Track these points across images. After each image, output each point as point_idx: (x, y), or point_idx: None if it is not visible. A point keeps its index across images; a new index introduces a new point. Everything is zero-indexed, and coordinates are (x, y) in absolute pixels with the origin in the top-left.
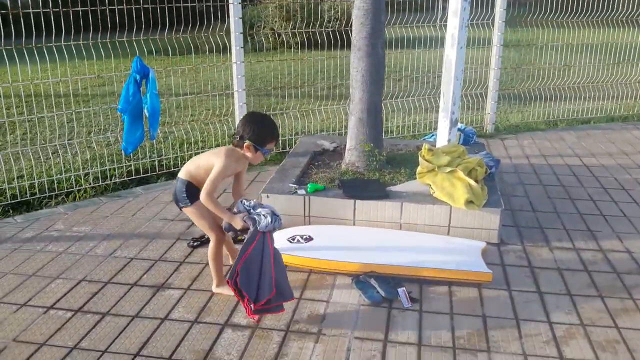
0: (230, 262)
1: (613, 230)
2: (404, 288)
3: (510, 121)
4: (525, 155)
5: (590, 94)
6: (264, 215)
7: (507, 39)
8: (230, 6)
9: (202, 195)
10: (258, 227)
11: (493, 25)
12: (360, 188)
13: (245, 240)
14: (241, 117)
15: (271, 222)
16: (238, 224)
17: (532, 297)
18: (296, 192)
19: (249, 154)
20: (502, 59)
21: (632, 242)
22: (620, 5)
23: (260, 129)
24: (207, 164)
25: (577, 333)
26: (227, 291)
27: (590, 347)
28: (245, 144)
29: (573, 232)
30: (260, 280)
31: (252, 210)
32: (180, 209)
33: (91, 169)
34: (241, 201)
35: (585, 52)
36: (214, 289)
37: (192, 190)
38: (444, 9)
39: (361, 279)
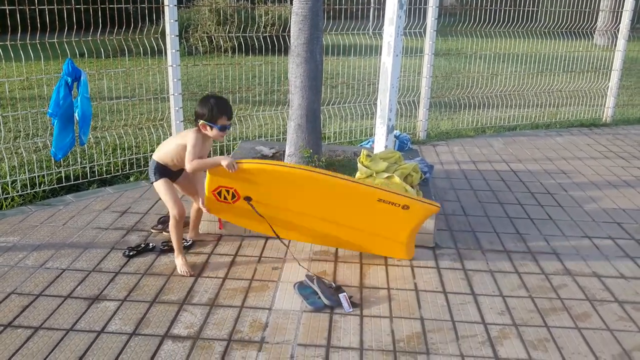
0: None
1: (540, 233)
2: (345, 293)
3: (441, 128)
4: (456, 161)
5: (516, 101)
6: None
7: (438, 48)
8: (166, 8)
9: (187, 167)
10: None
11: (425, 35)
12: None
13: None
14: (177, 121)
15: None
16: (225, 162)
17: (467, 299)
18: None
19: (207, 133)
20: (433, 67)
21: (558, 244)
22: (542, 17)
23: (210, 108)
24: (175, 146)
25: (510, 333)
26: (177, 263)
27: (523, 346)
28: (200, 123)
29: (503, 235)
30: None
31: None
32: (152, 185)
33: (18, 176)
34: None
35: (510, 61)
36: (175, 257)
37: (160, 169)
38: (377, 17)
39: (304, 284)
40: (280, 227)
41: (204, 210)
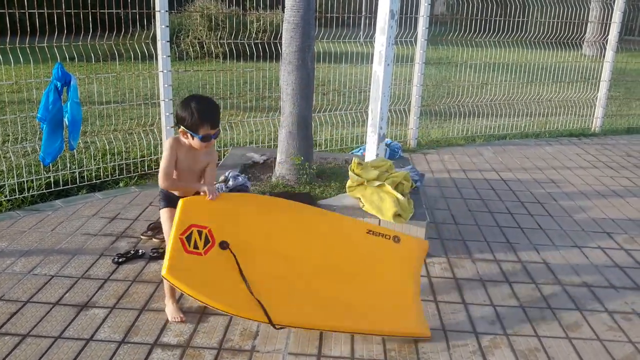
0: None
1: (530, 242)
2: None
3: (431, 136)
4: (447, 169)
5: (506, 111)
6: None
7: (428, 56)
8: (157, 14)
9: (160, 184)
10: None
11: (416, 43)
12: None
13: None
14: (168, 126)
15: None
16: (203, 189)
17: (458, 308)
18: None
19: (187, 141)
20: (424, 76)
21: (548, 254)
22: (532, 27)
23: (191, 113)
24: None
25: (501, 343)
26: (167, 310)
27: (514, 356)
28: (179, 130)
29: (493, 244)
30: None
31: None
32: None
33: (7, 181)
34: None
35: (500, 70)
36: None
37: (165, 196)
38: (368, 25)
39: None
40: (263, 294)
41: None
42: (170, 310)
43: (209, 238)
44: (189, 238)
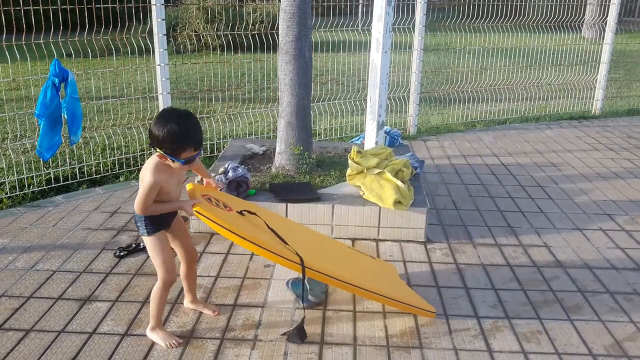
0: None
1: (531, 225)
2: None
3: (431, 123)
4: (447, 155)
5: (505, 95)
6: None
7: (426, 43)
8: (153, 7)
9: (137, 212)
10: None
11: (414, 30)
12: (292, 191)
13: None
14: None
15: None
16: (189, 208)
17: (459, 293)
18: None
19: (168, 163)
20: (423, 62)
21: (549, 237)
22: (531, 11)
23: (170, 136)
24: (141, 181)
25: (503, 326)
26: (158, 338)
27: (516, 339)
28: (157, 154)
29: (494, 228)
30: None
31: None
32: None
33: (7, 178)
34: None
35: (499, 55)
36: (148, 332)
37: (150, 217)
38: (365, 13)
39: (297, 281)
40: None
41: (192, 212)
42: (162, 336)
43: (227, 205)
44: (209, 200)
